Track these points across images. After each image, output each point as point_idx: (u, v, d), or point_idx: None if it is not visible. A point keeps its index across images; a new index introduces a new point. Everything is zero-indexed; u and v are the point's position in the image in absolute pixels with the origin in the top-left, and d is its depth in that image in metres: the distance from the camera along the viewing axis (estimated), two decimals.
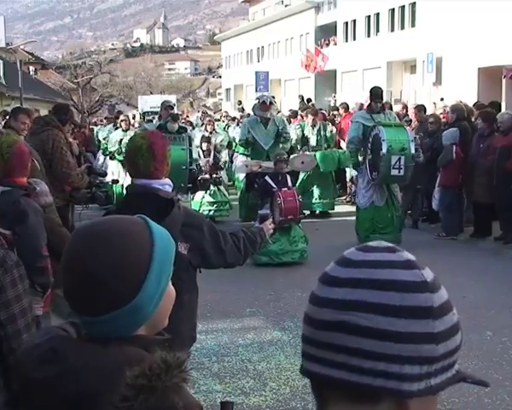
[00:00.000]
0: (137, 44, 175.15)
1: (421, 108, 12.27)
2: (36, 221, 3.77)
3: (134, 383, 1.07)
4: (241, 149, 14.81)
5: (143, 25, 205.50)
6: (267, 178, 8.78)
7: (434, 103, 17.49)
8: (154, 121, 13.26)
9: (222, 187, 11.85)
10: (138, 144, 3.13)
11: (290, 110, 17.70)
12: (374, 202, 9.35)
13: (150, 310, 1.30)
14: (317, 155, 11.91)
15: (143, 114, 23.78)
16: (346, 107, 15.38)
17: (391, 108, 12.41)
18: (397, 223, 9.47)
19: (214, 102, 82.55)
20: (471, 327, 5.90)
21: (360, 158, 9.65)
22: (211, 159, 11.65)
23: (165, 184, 3.15)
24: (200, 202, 11.44)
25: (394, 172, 8.84)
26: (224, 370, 4.99)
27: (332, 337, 0.92)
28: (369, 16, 38.81)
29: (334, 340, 0.92)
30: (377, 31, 38.24)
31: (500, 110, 12.34)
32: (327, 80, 40.35)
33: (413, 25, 33.98)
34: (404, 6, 35.42)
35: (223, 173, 12.43)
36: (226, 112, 21.98)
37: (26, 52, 45.29)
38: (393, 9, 36.41)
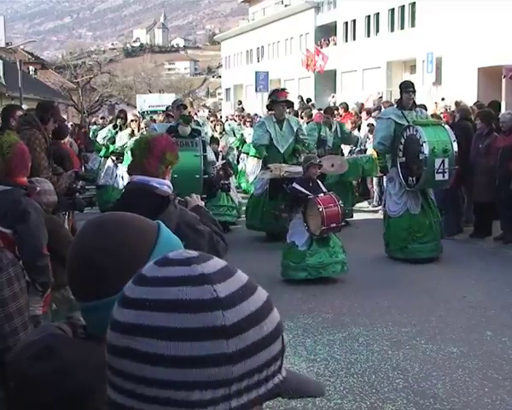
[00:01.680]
0: (137, 44, 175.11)
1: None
2: (37, 220, 3.77)
3: None
4: (253, 151, 13.88)
5: (143, 25, 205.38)
6: (296, 185, 7.77)
7: (436, 103, 17.52)
8: (158, 122, 12.92)
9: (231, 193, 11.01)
10: (141, 137, 3.29)
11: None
12: (408, 210, 8.47)
13: None
14: None
15: (142, 114, 23.66)
16: (345, 107, 15.38)
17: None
18: (436, 229, 8.56)
19: (214, 102, 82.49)
20: (471, 327, 5.91)
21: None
22: (219, 163, 10.73)
23: (163, 184, 3.15)
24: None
25: (438, 176, 8.05)
26: None
27: (120, 364, 0.86)
28: (368, 16, 38.82)
29: (122, 367, 0.86)
30: (377, 31, 38.25)
31: (500, 110, 12.35)
32: (327, 80, 40.34)
33: (413, 25, 33.99)
34: (403, 6, 35.44)
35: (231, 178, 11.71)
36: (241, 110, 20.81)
37: (26, 52, 45.31)
38: (393, 9, 36.43)
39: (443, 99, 20.13)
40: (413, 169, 8.22)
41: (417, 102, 9.53)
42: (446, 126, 8.39)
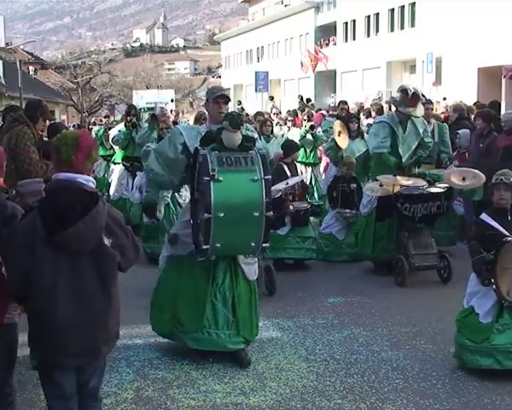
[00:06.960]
0: (137, 44, 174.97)
1: None
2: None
3: None
4: (301, 156, 10.80)
5: (143, 25, 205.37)
6: (485, 216, 5.04)
7: (438, 102, 17.54)
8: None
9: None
10: (65, 134, 3.35)
11: (289, 111, 17.65)
12: None
13: None
14: None
15: (139, 111, 23.22)
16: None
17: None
18: None
19: None
20: None
21: None
22: (298, 179, 8.13)
23: (89, 181, 3.27)
24: (284, 239, 7.94)
25: None
26: (224, 370, 4.98)
27: None
28: (368, 16, 38.84)
29: None
30: (377, 31, 38.29)
31: (500, 110, 12.35)
32: (326, 80, 40.38)
33: (413, 25, 34.03)
34: (403, 6, 35.48)
35: None
36: (277, 108, 17.06)
37: (26, 52, 45.37)
38: (393, 9, 36.46)
39: (444, 98, 20.17)
40: None
41: None
42: None
